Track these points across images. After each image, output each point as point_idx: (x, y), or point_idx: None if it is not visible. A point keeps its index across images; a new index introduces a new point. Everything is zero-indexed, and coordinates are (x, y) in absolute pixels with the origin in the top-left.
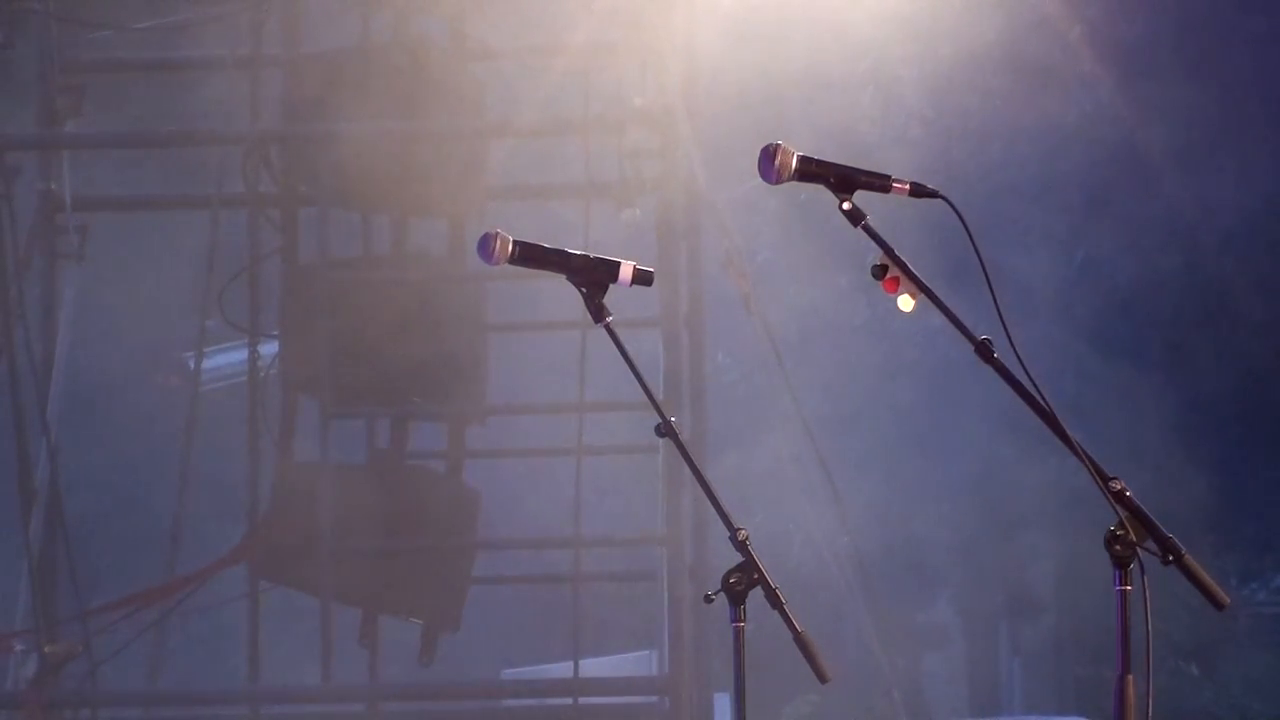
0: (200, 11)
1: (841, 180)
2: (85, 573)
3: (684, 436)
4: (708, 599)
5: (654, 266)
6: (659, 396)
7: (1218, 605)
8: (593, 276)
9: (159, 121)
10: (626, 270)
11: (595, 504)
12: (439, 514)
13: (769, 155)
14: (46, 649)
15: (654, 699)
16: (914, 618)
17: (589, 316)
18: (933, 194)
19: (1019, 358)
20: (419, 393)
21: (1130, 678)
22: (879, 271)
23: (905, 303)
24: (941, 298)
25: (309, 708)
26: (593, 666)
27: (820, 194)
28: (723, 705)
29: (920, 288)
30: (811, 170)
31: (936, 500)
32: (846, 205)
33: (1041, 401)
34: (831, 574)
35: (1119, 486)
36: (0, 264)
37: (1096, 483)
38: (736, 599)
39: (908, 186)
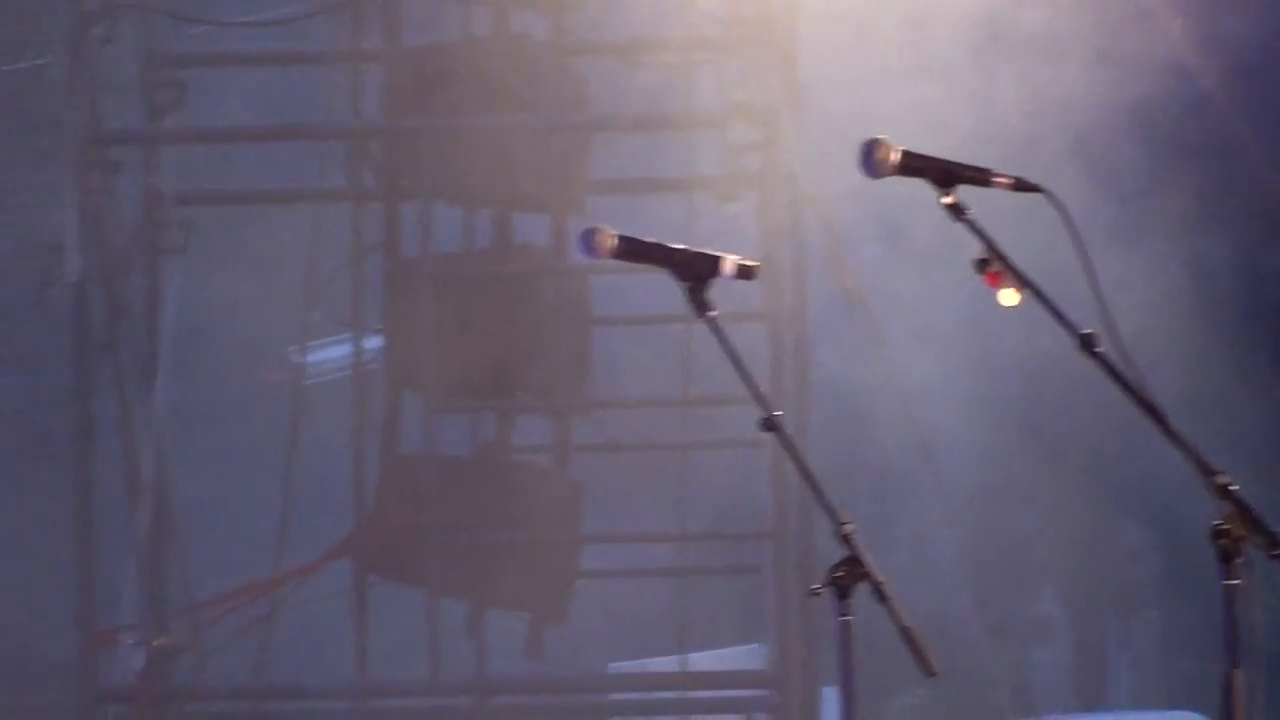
0: (302, 6)
1: (943, 174)
2: (192, 567)
3: (788, 430)
4: (814, 593)
5: (757, 261)
6: (763, 390)
7: None
8: (695, 271)
9: (261, 116)
10: (729, 264)
11: (700, 498)
12: (544, 508)
13: (870, 150)
14: (155, 643)
15: (762, 693)
16: (1020, 612)
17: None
18: (1034, 188)
19: (1122, 351)
20: (523, 387)
21: (1238, 672)
22: (981, 266)
23: (1008, 297)
24: (1044, 291)
25: (416, 701)
26: (700, 660)
27: (924, 188)
28: (830, 698)
29: (1022, 281)
30: (913, 165)
31: (1042, 494)
32: (948, 200)
33: (1145, 395)
34: (937, 567)
35: (1225, 480)
36: (104, 260)
37: (1202, 476)
38: (843, 592)
39: (1010, 181)
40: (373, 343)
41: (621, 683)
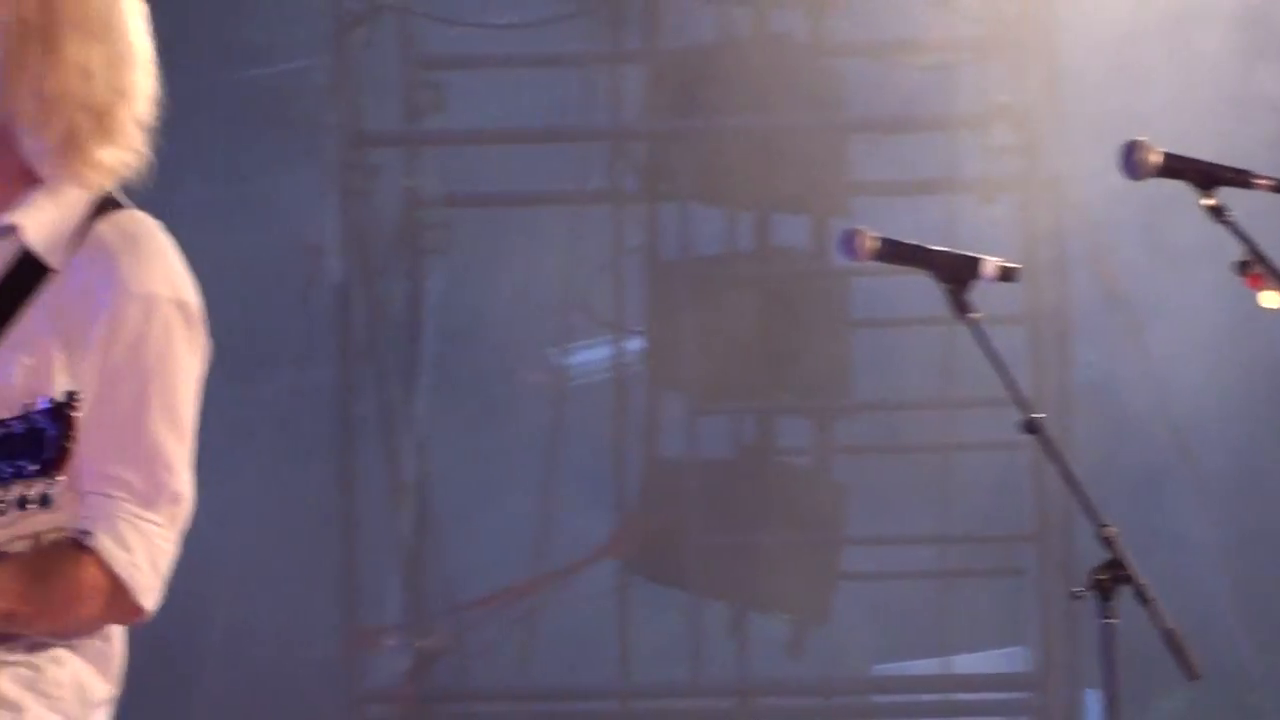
0: (563, 7)
1: (1203, 176)
2: (455, 568)
3: (1050, 432)
4: (1076, 595)
5: (1018, 263)
6: (1025, 393)
7: None
8: (956, 273)
9: (521, 118)
10: (990, 266)
11: (962, 500)
12: (805, 509)
13: (1131, 151)
14: (418, 644)
15: (1024, 695)
16: None
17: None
18: None
19: None
20: (784, 389)
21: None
22: (1243, 268)
23: (1269, 299)
24: None
25: (677, 702)
26: (962, 663)
27: (1185, 189)
28: (1092, 702)
29: None
30: (1173, 166)
31: None
32: (1209, 202)
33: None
34: (1197, 569)
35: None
36: (365, 261)
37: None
38: (1105, 595)
39: (1272, 183)
40: (633, 345)
41: (884, 685)
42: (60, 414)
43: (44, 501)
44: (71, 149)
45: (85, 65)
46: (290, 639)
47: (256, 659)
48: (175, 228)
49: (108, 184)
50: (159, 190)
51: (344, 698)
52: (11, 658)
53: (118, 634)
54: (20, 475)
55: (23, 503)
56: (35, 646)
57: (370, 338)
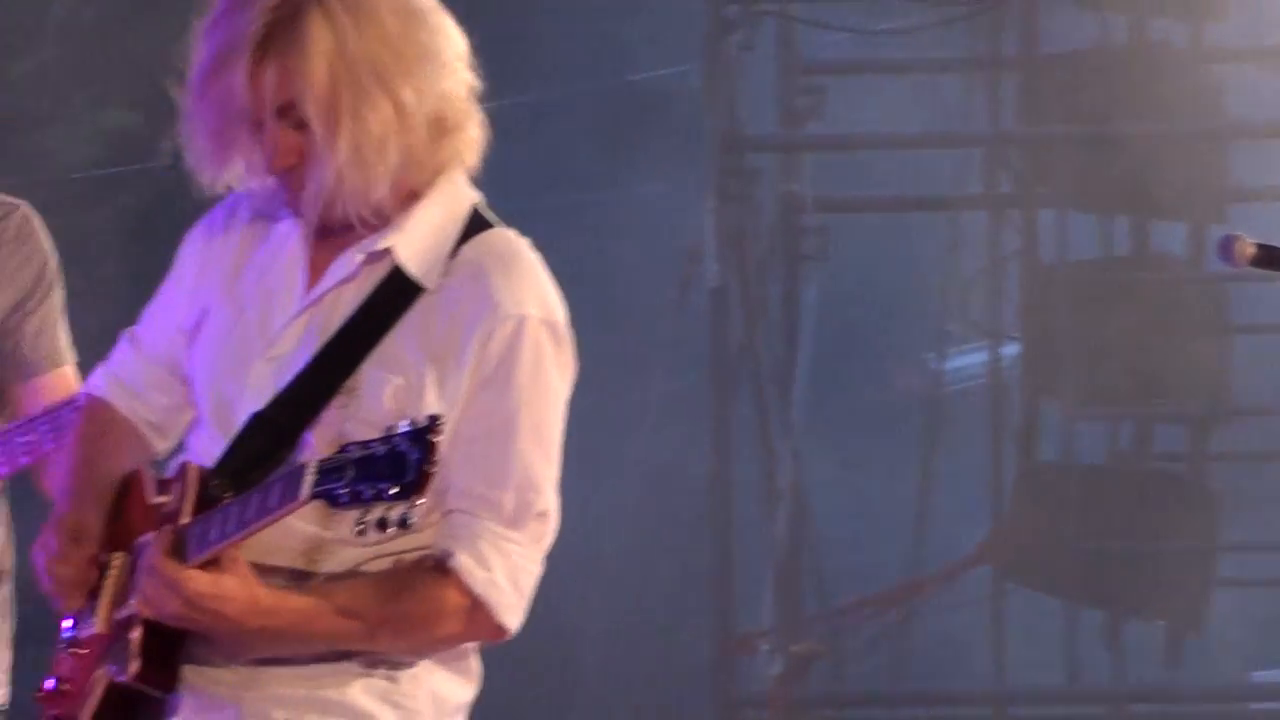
0: (941, 14)
1: None
2: (829, 573)
3: None
4: None
5: None
6: None
7: None
8: None
9: (898, 123)
10: None
11: None
12: (1180, 516)
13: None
14: (792, 649)
15: None
16: None
17: None
18: None
19: None
20: (1161, 394)
21: None
22: None
23: None
24: None
25: (1053, 709)
26: None
27: None
28: None
29: None
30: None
31: None
32: None
33: None
34: None
35: None
36: (743, 265)
37: None
38: None
39: None
40: (1010, 350)
41: (1263, 693)
42: (422, 438)
43: (403, 524)
44: (415, 164)
45: (400, 104)
46: (665, 643)
47: (632, 662)
48: (552, 232)
49: (461, 177)
50: (535, 194)
51: (717, 702)
52: (368, 669)
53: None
54: (380, 497)
55: (382, 524)
56: (391, 658)
57: (746, 343)
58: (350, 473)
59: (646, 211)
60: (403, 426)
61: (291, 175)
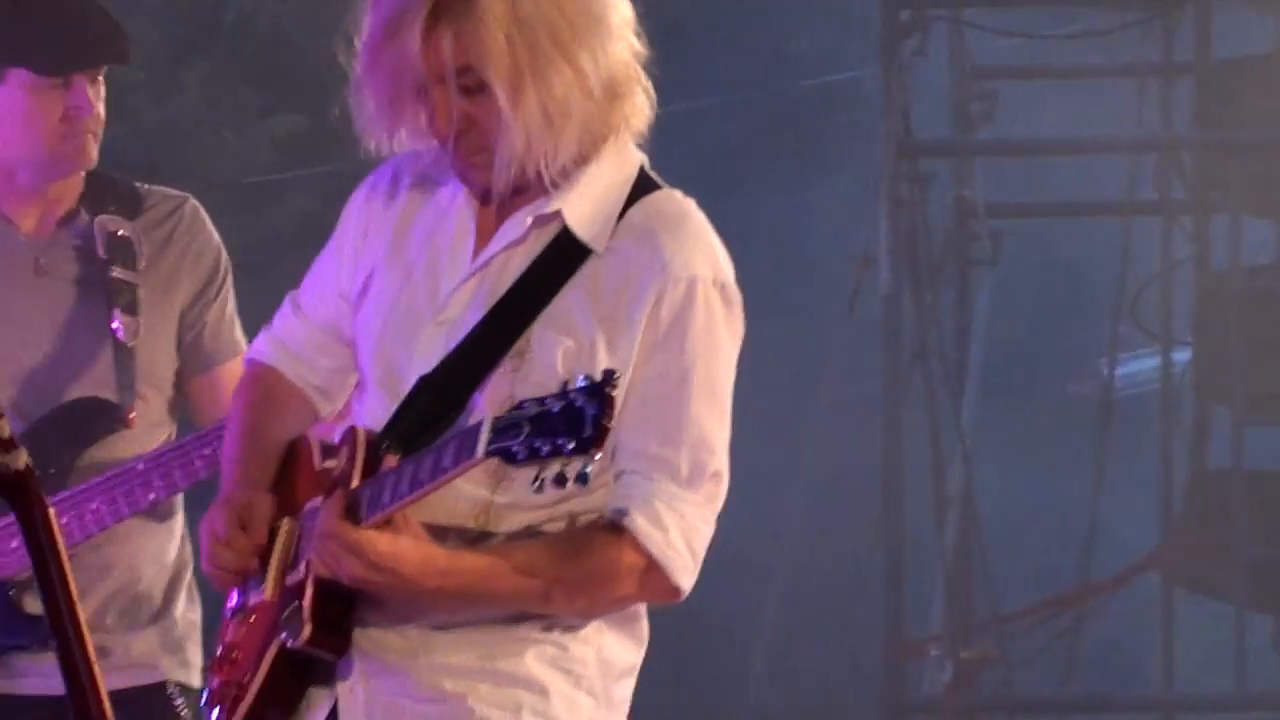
0: (1115, 18)
1: None
2: (999, 578)
3: None
4: None
5: None
6: None
7: None
8: None
9: (1072, 128)
10: None
11: None
12: None
13: None
14: (962, 654)
15: None
16: None
17: None
18: None
19: None
20: None
21: None
22: None
23: None
24: None
25: (1222, 715)
26: None
27: None
28: None
29: None
30: None
31: None
32: None
33: None
34: None
35: None
36: (916, 271)
37: None
38: None
39: None
40: (1181, 356)
41: None
42: (598, 392)
43: (580, 479)
44: (591, 126)
45: (579, 68)
46: (836, 647)
47: (802, 666)
48: (726, 236)
49: (625, 141)
50: (710, 199)
51: (887, 707)
52: (539, 635)
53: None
54: (558, 453)
55: (560, 480)
56: (560, 625)
57: (918, 349)
58: (526, 429)
59: (820, 216)
60: (579, 381)
61: (462, 141)
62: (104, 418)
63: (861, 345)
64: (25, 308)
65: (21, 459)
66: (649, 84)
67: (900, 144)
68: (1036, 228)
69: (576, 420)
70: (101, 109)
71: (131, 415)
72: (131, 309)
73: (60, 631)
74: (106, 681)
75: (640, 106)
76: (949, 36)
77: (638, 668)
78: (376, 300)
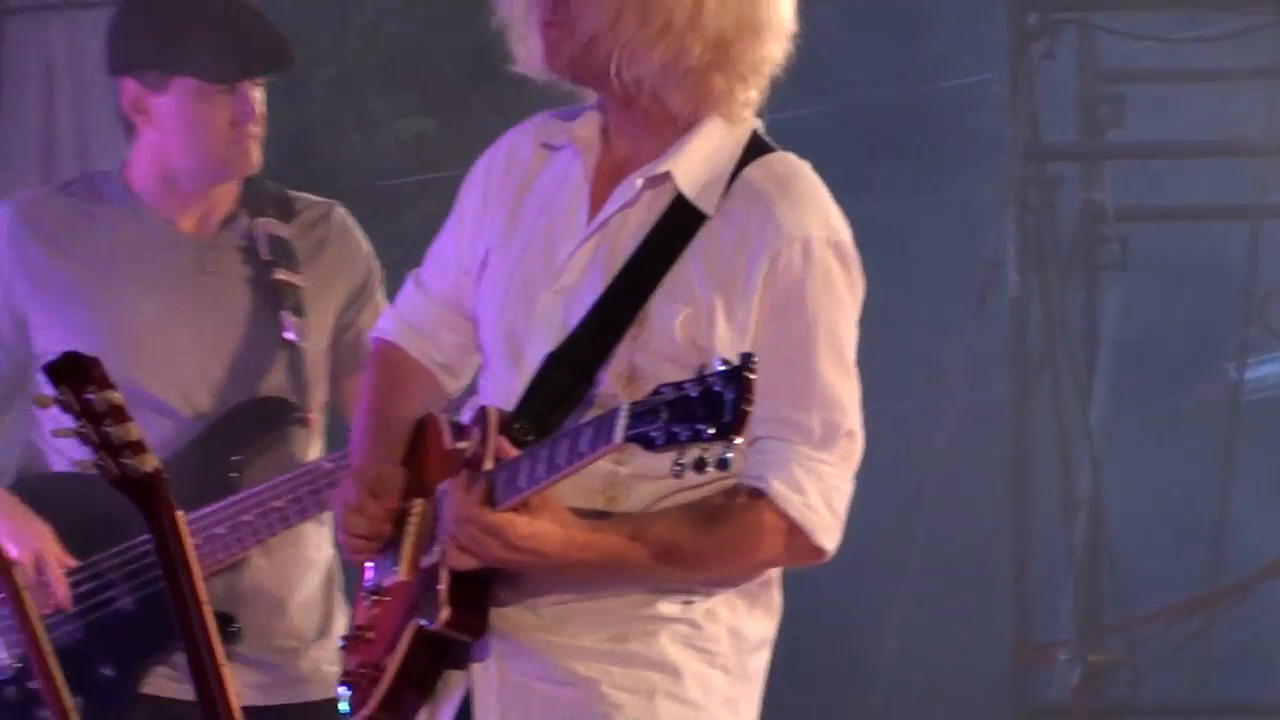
0: (1243, 21)
1: None
2: (1128, 582)
3: None
4: None
5: None
6: None
7: None
8: None
9: (1200, 131)
10: None
11: None
12: None
13: None
14: (1090, 658)
15: None
16: None
17: None
18: None
19: None
20: None
21: None
22: None
23: None
24: None
25: None
26: None
27: None
28: None
29: None
30: None
31: None
32: None
33: None
34: None
35: None
36: (1043, 274)
37: None
38: None
39: None
40: None
41: None
42: (737, 377)
43: (721, 464)
44: (690, 79)
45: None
46: (963, 651)
47: (930, 669)
48: (855, 240)
49: (735, 117)
50: (841, 200)
51: (1015, 711)
52: (671, 613)
53: (775, 573)
54: (697, 438)
55: (700, 465)
56: (692, 601)
57: (1046, 352)
58: (664, 415)
59: (947, 220)
60: (715, 365)
61: (578, 66)
62: (284, 417)
63: (989, 348)
64: (192, 306)
65: (150, 461)
66: (767, 83)
67: (1028, 147)
68: (1165, 231)
69: (716, 405)
70: (263, 113)
71: (310, 415)
72: (299, 310)
73: (188, 634)
74: (303, 693)
75: (756, 85)
76: (1077, 39)
77: (771, 640)
78: (496, 272)
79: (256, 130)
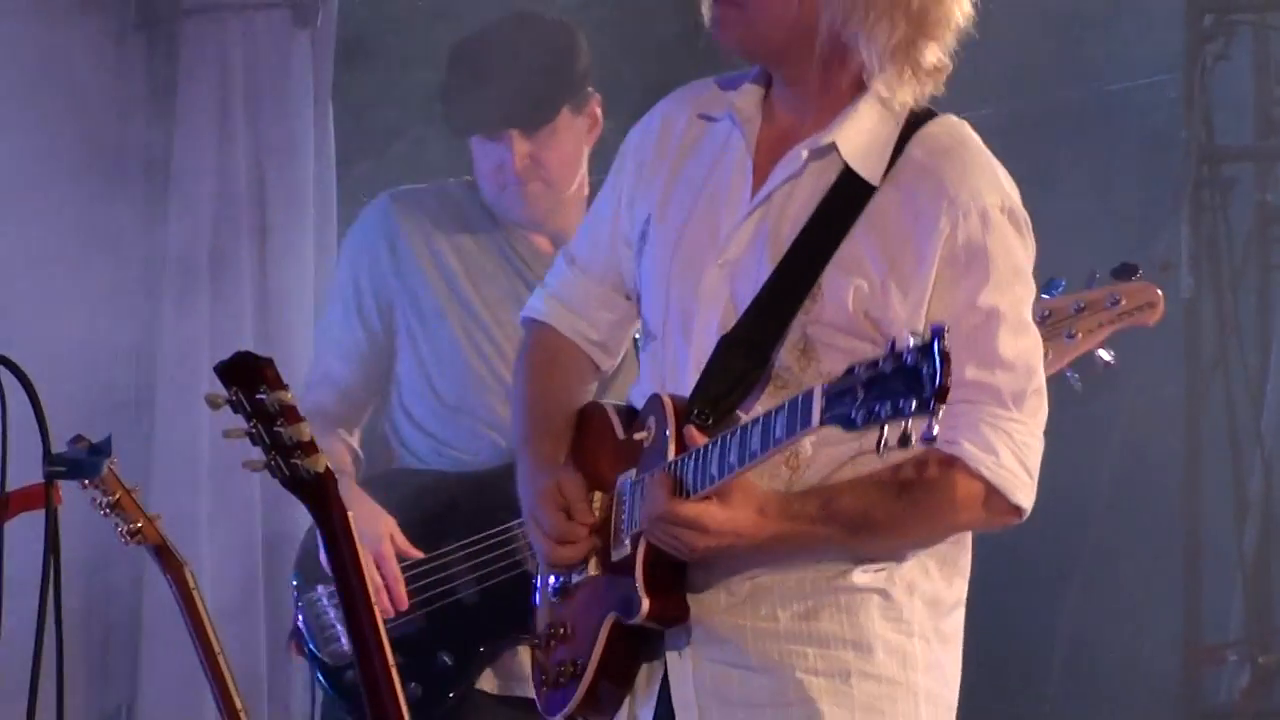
0: None
1: None
2: None
3: None
4: None
5: None
6: None
7: None
8: None
9: None
10: None
11: None
12: None
13: None
14: (1260, 660)
15: None
16: None
17: None
18: None
19: None
20: None
21: None
22: None
23: None
24: None
25: None
26: None
27: None
28: None
29: None
30: None
31: None
32: None
33: None
34: None
35: None
36: (1216, 277)
37: None
38: None
39: None
40: None
41: None
42: (931, 350)
43: (927, 439)
44: (899, 51)
45: None
46: (1132, 652)
47: (1098, 670)
48: (1042, 239)
49: (929, 90)
50: (1028, 199)
51: (1183, 713)
52: (864, 583)
53: (966, 535)
54: (899, 414)
55: (905, 440)
56: (884, 569)
57: (1219, 354)
58: (860, 394)
59: (1120, 222)
60: (906, 340)
61: (759, 41)
62: None
63: (1161, 351)
64: None
65: (322, 462)
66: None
67: (1202, 149)
68: None
69: (914, 379)
70: (526, 162)
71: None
72: None
73: (358, 633)
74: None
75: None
76: (1252, 40)
77: (964, 599)
78: (657, 244)
79: (525, 177)
